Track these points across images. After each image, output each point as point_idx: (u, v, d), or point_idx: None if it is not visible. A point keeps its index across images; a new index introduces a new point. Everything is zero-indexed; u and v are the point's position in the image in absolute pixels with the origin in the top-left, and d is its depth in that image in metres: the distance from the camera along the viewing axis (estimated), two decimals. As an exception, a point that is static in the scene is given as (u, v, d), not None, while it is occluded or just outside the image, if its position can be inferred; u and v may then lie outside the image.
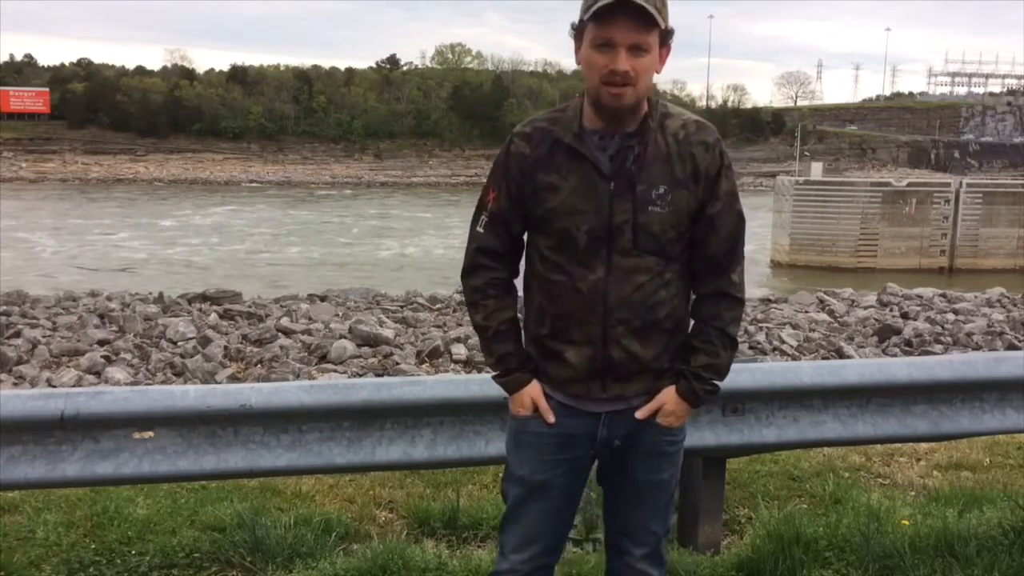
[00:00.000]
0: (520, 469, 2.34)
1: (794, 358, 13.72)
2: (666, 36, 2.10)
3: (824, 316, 17.41)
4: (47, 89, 79.89)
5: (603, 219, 2.14)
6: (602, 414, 2.26)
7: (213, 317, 15.34)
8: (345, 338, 13.83)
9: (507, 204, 2.24)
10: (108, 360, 12.62)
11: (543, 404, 2.25)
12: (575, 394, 2.25)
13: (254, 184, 71.04)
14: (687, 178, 2.15)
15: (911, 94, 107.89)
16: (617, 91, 2.06)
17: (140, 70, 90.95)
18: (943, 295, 19.88)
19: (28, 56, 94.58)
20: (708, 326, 2.25)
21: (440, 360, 13.34)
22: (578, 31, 2.11)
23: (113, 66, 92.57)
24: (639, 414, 2.25)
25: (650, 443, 2.30)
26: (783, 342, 14.76)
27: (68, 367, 12.28)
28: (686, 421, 2.35)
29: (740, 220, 2.26)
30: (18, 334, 13.45)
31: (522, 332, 2.33)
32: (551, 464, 2.29)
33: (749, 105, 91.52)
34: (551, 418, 2.24)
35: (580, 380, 2.23)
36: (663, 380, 2.27)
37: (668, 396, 2.27)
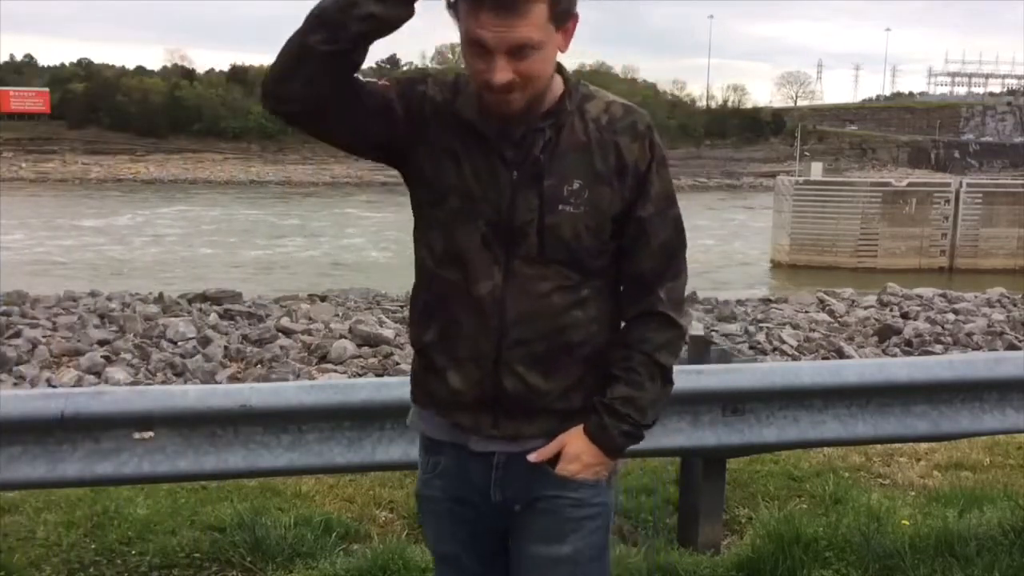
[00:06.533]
0: (427, 537, 2.02)
1: (794, 358, 13.70)
2: (561, 14, 1.64)
3: (824, 316, 17.40)
4: (47, 89, 79.83)
5: (503, 215, 1.73)
6: (492, 468, 1.82)
7: (213, 317, 15.33)
8: (345, 338, 13.83)
9: (399, 103, 1.76)
10: (108, 360, 12.61)
11: None
12: (460, 425, 1.82)
13: (255, 183, 71.04)
14: (609, 172, 1.74)
15: (911, 94, 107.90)
16: (499, 98, 1.66)
17: (140, 70, 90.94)
18: (943, 295, 19.87)
19: (28, 56, 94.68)
20: (632, 350, 1.80)
21: (440, 360, 13.33)
22: (453, 8, 1.67)
23: (113, 66, 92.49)
24: (532, 456, 1.79)
25: (547, 502, 1.81)
26: (783, 342, 14.74)
27: (68, 367, 12.28)
28: (603, 476, 1.83)
29: (676, 229, 1.82)
30: (18, 334, 13.44)
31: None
32: (450, 534, 1.92)
33: (749, 105, 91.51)
34: None
35: (466, 408, 1.80)
36: (574, 423, 1.81)
37: (572, 435, 1.80)
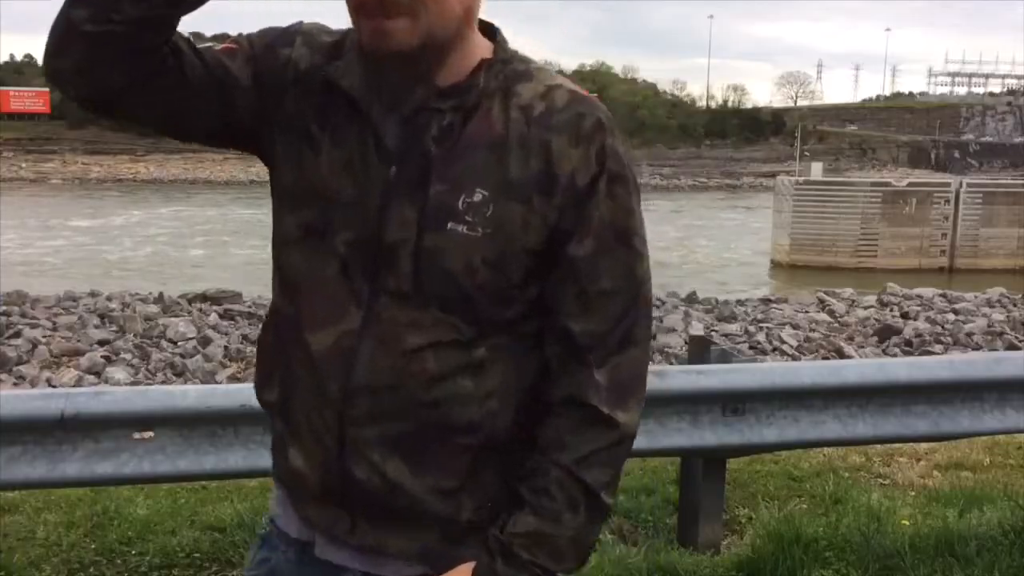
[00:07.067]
0: None
1: (794, 358, 13.71)
2: None
3: (824, 316, 17.40)
4: (47, 89, 79.83)
5: (369, 229, 1.19)
6: None
7: (213, 317, 15.35)
8: (345, 338, 13.85)
9: (244, 69, 1.24)
10: (108, 360, 12.62)
11: None
12: (309, 519, 1.30)
13: (255, 183, 71.08)
14: (528, 183, 1.17)
15: (911, 94, 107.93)
16: (375, 27, 1.13)
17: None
18: (943, 295, 19.87)
19: (28, 56, 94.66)
20: (547, 460, 1.21)
21: (440, 360, 13.33)
22: None
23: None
24: None
25: None
26: (783, 342, 14.75)
27: (68, 367, 12.29)
28: None
29: (629, 277, 1.22)
30: (18, 334, 13.45)
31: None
32: None
33: (749, 105, 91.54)
34: None
35: (315, 499, 1.26)
36: (464, 546, 1.23)
37: None
